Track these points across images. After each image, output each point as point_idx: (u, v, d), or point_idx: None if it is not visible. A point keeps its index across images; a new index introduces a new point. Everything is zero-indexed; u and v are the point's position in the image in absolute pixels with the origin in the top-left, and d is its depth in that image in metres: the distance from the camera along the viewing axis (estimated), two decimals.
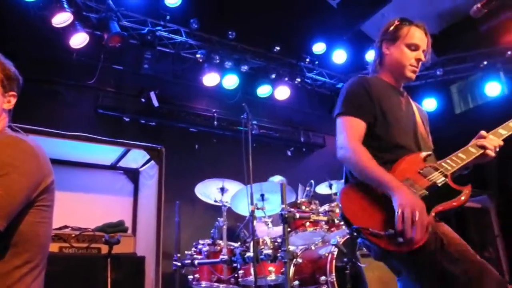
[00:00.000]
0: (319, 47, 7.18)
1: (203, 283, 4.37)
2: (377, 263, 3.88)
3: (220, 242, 4.51)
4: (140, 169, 5.55)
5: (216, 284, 4.35)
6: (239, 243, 4.51)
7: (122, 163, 5.49)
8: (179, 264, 4.36)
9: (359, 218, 1.80)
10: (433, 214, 1.79)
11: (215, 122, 6.53)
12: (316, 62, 7.33)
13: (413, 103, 2.32)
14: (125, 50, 5.79)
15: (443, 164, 1.98)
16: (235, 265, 4.28)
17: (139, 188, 5.57)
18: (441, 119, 7.74)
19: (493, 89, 7.37)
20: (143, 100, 6.05)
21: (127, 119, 5.97)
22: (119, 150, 5.10)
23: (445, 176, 1.93)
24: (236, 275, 4.34)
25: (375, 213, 1.81)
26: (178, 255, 4.44)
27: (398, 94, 2.24)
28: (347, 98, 2.10)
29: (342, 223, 4.35)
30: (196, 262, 4.33)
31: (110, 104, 5.88)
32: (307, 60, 7.23)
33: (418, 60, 2.18)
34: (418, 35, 2.18)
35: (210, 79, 6.36)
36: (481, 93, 7.89)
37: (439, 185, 1.89)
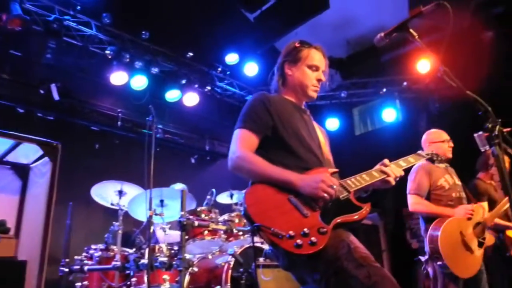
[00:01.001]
0: (232, 58, 7.25)
1: None
2: (275, 274, 3.99)
3: (114, 247, 4.30)
4: (31, 166, 5.14)
5: None
6: (134, 249, 4.33)
7: (10, 157, 5.05)
8: (66, 270, 4.06)
9: (261, 217, 1.83)
10: (332, 225, 1.88)
11: (119, 123, 6.31)
12: (228, 72, 7.38)
13: (315, 123, 2.42)
14: (26, 35, 5.36)
15: (348, 181, 2.09)
16: (128, 272, 4.11)
17: (28, 186, 5.16)
18: (342, 139, 8.20)
19: (389, 115, 7.98)
20: (42, 91, 5.62)
21: (21, 111, 5.50)
22: (7, 142, 4.68)
23: (348, 192, 2.04)
24: (128, 282, 4.15)
25: (278, 214, 1.86)
26: (67, 260, 4.14)
27: (301, 112, 2.33)
28: (244, 113, 2.19)
29: (240, 233, 4.39)
30: (85, 268, 4.07)
31: (3, 92, 5.39)
32: (219, 69, 7.26)
33: (319, 80, 2.32)
34: (317, 57, 2.32)
35: (118, 77, 6.11)
36: (379, 118, 8.49)
37: (342, 199, 1.99)
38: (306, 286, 2.01)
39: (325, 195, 1.89)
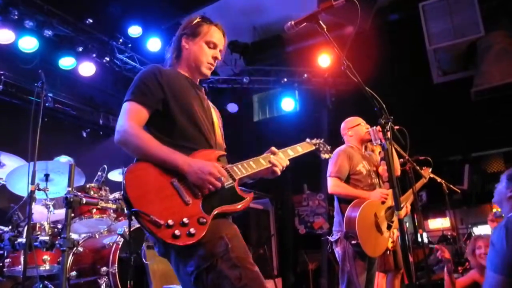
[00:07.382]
0: (135, 30, 6.94)
1: None
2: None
3: None
4: None
5: None
6: (10, 227, 3.95)
7: None
8: None
9: (141, 202, 1.73)
10: (212, 215, 1.83)
11: (1, 86, 5.72)
12: (129, 45, 7.04)
13: (210, 104, 2.35)
14: None
15: (234, 168, 2.04)
16: (1, 252, 3.75)
17: None
18: (240, 124, 8.31)
19: (288, 104, 8.26)
20: None
21: None
22: None
23: (234, 179, 1.99)
24: (1, 264, 3.80)
25: (158, 199, 1.77)
26: None
27: (196, 88, 2.25)
28: (134, 85, 2.07)
29: None
30: None
31: None
32: (120, 40, 6.89)
33: (215, 58, 2.26)
34: (217, 35, 2.26)
35: (3, 35, 5.53)
36: (278, 106, 8.75)
37: (226, 187, 1.94)
38: (179, 275, 1.94)
39: (211, 187, 1.85)
